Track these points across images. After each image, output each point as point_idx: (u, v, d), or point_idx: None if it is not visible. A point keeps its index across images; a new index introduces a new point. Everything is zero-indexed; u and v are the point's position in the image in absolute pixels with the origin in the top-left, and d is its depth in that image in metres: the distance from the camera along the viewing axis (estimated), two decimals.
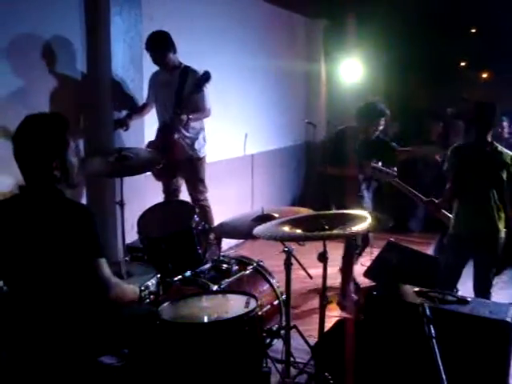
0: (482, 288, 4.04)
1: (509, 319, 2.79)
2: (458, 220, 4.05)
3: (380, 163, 4.41)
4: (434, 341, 2.09)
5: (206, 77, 4.60)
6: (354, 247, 4.88)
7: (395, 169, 4.41)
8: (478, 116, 4.02)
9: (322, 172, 5.54)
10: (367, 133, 4.84)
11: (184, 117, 4.68)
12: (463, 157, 4.02)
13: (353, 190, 4.83)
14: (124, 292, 2.49)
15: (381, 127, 4.86)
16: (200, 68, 4.86)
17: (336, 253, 6.21)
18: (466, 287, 4.13)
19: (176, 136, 4.77)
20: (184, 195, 5.16)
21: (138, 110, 4.92)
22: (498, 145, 4.05)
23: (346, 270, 4.92)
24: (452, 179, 4.06)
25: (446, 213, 4.25)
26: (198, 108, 4.85)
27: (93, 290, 2.36)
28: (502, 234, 3.96)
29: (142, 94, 4.95)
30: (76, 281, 2.36)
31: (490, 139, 4.00)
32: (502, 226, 3.97)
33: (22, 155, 2.32)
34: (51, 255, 2.30)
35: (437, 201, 4.20)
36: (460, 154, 4.04)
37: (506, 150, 4.04)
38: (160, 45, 4.77)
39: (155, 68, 4.99)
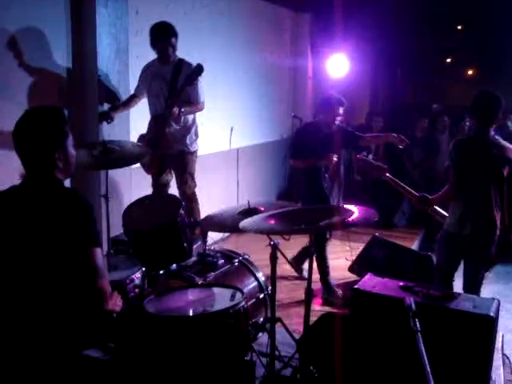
0: (472, 286, 3.99)
1: (492, 314, 2.82)
2: (456, 218, 3.93)
3: (370, 156, 4.40)
4: (419, 334, 2.11)
5: (199, 69, 4.57)
6: (324, 239, 4.80)
7: (385, 166, 4.39)
8: (479, 107, 3.86)
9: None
10: (328, 124, 4.87)
11: (176, 109, 4.65)
12: (464, 151, 3.88)
13: (314, 183, 4.87)
14: (109, 291, 2.47)
15: (339, 117, 4.91)
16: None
17: None
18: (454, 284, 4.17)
19: (167, 129, 4.75)
20: (173, 190, 5.14)
21: (125, 103, 4.89)
22: (500, 139, 3.91)
23: (321, 262, 4.86)
24: (453, 175, 3.91)
25: (439, 209, 4.19)
26: (190, 101, 4.82)
27: (83, 279, 2.35)
28: (497, 233, 3.90)
29: (128, 86, 4.92)
30: (68, 271, 2.35)
31: (492, 133, 3.86)
32: (498, 224, 3.89)
33: (25, 147, 2.38)
34: (47, 244, 2.32)
35: (430, 197, 4.08)
36: (461, 148, 3.90)
37: (508, 145, 3.91)
38: (169, 32, 4.74)
39: (140, 61, 4.95)
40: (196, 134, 5.08)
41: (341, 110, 4.89)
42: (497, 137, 3.93)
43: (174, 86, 4.75)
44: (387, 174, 4.30)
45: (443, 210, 4.16)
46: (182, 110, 4.73)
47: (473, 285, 3.99)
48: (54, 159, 2.39)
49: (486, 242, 3.90)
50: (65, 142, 2.43)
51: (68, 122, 2.49)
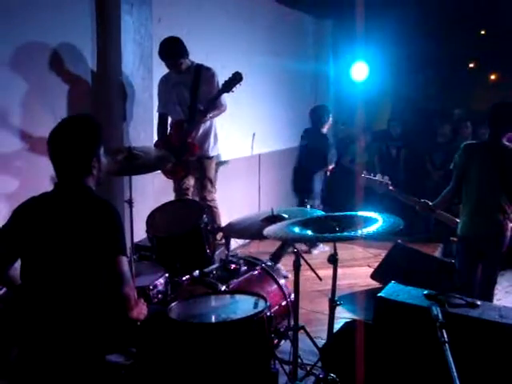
0: (486, 289, 4.03)
1: None
2: (465, 222, 4.02)
3: (372, 174, 4.51)
4: (446, 345, 2.08)
5: (238, 77, 4.60)
6: None
7: (388, 178, 4.44)
8: (493, 116, 3.97)
9: None
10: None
11: (207, 115, 4.73)
12: (473, 154, 3.97)
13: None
14: (135, 298, 2.48)
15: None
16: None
17: (346, 254, 6.25)
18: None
19: (193, 135, 4.81)
20: (194, 195, 5.17)
21: (164, 127, 5.00)
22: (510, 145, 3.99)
23: None
24: (457, 177, 4.03)
25: (444, 213, 4.27)
26: (214, 105, 4.85)
27: (109, 285, 2.38)
28: (508, 235, 3.94)
29: (152, 92, 4.96)
30: (95, 278, 2.38)
31: (504, 141, 3.95)
32: (508, 227, 3.94)
33: (63, 154, 2.43)
34: (76, 250, 2.36)
35: (431, 203, 4.16)
36: (471, 152, 3.99)
37: None
38: (174, 52, 4.78)
39: (164, 67, 4.98)
40: (215, 139, 5.10)
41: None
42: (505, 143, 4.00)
43: (195, 91, 4.78)
44: (390, 188, 4.39)
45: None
46: (211, 114, 4.76)
47: (487, 289, 4.03)
48: (90, 167, 2.45)
49: (495, 245, 3.95)
50: (99, 150, 2.50)
51: (102, 132, 2.55)
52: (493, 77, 13.05)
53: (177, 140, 4.81)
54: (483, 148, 3.99)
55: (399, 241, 5.52)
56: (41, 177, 3.69)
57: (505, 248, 3.97)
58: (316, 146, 7.05)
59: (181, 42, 4.78)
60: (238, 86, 4.65)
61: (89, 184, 2.48)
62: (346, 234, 2.68)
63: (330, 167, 7.09)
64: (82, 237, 2.36)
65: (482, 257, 4.02)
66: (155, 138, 4.98)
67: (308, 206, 5.61)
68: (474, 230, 3.98)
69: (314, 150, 7.09)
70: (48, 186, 2.56)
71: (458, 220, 4.15)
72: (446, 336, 2.15)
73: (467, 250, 4.05)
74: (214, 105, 4.77)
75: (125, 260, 2.40)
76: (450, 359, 1.99)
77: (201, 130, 4.92)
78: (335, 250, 2.77)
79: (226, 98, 4.91)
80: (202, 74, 4.83)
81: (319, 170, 7.04)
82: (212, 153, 5.06)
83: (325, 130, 7.10)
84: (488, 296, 3.99)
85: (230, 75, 4.66)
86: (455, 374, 1.93)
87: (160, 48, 4.78)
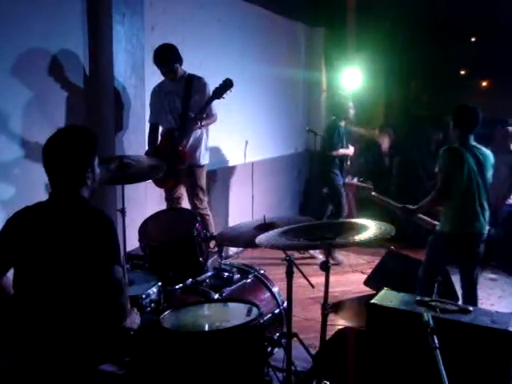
0: (471, 287, 4.21)
1: (511, 329, 2.79)
2: (451, 220, 4.17)
3: (355, 179, 4.65)
4: (437, 351, 2.09)
5: (229, 84, 4.63)
6: None
7: (371, 183, 4.57)
8: (458, 119, 4.23)
9: None
10: None
11: (198, 123, 4.75)
12: (455, 157, 4.16)
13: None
14: (129, 308, 2.48)
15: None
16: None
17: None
18: None
19: (184, 143, 4.82)
20: (185, 203, 5.16)
21: (154, 138, 5.01)
22: (481, 146, 4.22)
23: None
24: (443, 180, 4.18)
25: (425, 217, 4.45)
26: (205, 112, 4.88)
27: (103, 295, 2.38)
28: (486, 232, 4.15)
29: (144, 101, 4.97)
30: (89, 287, 2.38)
31: (472, 142, 4.19)
32: (486, 225, 4.16)
33: (58, 164, 2.45)
34: (70, 260, 2.36)
35: (413, 207, 4.35)
36: (452, 154, 4.19)
37: (489, 151, 4.24)
38: (169, 59, 4.80)
39: (156, 75, 5.00)
40: (206, 148, 5.12)
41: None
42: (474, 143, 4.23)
43: (188, 100, 4.81)
44: (373, 193, 4.61)
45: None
46: (203, 123, 4.78)
47: (471, 287, 4.22)
48: (84, 177, 2.47)
49: (475, 242, 4.14)
50: (94, 161, 2.52)
51: (97, 143, 2.57)
52: (484, 83, 13.15)
53: (167, 148, 4.82)
54: (460, 149, 4.17)
55: (392, 247, 5.54)
56: (37, 185, 3.70)
57: (482, 248, 4.18)
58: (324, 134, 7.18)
59: (175, 48, 4.81)
60: (228, 92, 4.67)
61: (83, 194, 2.49)
62: (337, 240, 2.69)
63: (335, 152, 7.01)
64: (76, 247, 2.36)
65: (459, 255, 4.20)
66: (147, 146, 4.99)
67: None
68: (462, 228, 4.14)
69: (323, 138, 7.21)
70: (44, 195, 2.57)
71: (436, 222, 4.33)
72: (437, 342, 2.16)
73: (447, 246, 4.20)
74: (204, 112, 4.79)
75: (119, 269, 2.40)
76: (441, 365, 2.00)
77: (192, 139, 4.93)
78: (327, 257, 2.78)
79: (218, 105, 4.93)
80: (193, 83, 4.86)
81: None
82: (203, 161, 5.06)
83: (342, 123, 7.12)
84: (473, 298, 4.16)
85: (221, 82, 4.69)
86: (446, 379, 1.94)
87: (154, 55, 4.79)
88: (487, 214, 4.17)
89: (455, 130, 4.26)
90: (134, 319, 2.53)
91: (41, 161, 2.48)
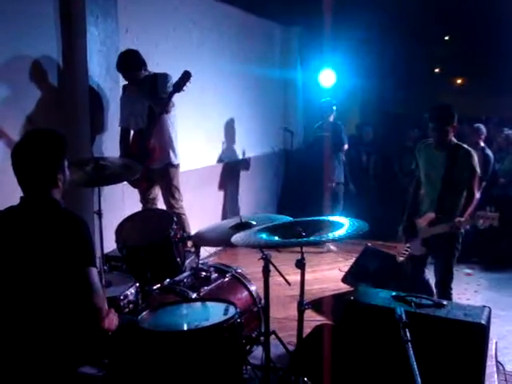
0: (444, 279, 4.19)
1: (483, 322, 2.85)
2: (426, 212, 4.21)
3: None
4: (409, 344, 2.13)
5: (187, 76, 4.61)
6: None
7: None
8: (437, 117, 4.13)
9: None
10: None
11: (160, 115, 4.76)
12: (424, 152, 4.26)
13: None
14: (106, 309, 2.49)
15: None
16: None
17: (314, 259, 6.32)
18: None
19: (152, 141, 4.79)
20: (162, 204, 5.16)
21: (126, 142, 4.97)
22: (459, 143, 4.15)
23: None
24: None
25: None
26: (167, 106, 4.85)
27: (79, 297, 2.38)
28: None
29: (118, 102, 4.95)
30: (64, 290, 2.38)
31: (450, 138, 4.10)
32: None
33: (29, 167, 2.43)
34: (45, 264, 2.35)
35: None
36: (422, 150, 4.29)
37: (465, 148, 4.11)
38: (132, 66, 4.76)
39: None
40: (176, 147, 5.07)
41: None
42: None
43: (153, 99, 4.78)
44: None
45: None
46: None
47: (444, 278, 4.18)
48: (55, 179, 2.46)
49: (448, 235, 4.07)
50: (64, 162, 2.51)
51: (67, 145, 2.56)
52: (459, 81, 13.31)
53: (137, 150, 4.81)
54: (431, 145, 4.22)
55: (369, 244, 5.59)
56: (11, 186, 3.67)
57: (454, 241, 4.12)
58: (331, 133, 7.49)
59: (137, 54, 4.77)
60: (188, 84, 4.66)
61: (55, 197, 2.48)
62: (312, 238, 2.73)
63: (346, 146, 7.63)
64: (51, 250, 2.35)
65: (435, 247, 4.18)
66: (119, 151, 4.97)
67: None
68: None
69: (326, 138, 7.49)
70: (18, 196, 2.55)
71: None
72: (408, 335, 2.20)
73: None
74: (167, 106, 4.77)
75: (94, 271, 2.41)
76: (412, 357, 2.04)
77: (161, 137, 4.90)
78: (302, 254, 2.81)
79: (194, 106, 4.92)
80: (158, 80, 4.84)
81: (338, 151, 7.54)
82: (176, 160, 5.04)
83: (331, 119, 7.61)
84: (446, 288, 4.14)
85: (180, 75, 4.70)
86: (416, 371, 1.98)
87: (118, 61, 4.75)
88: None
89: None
90: (112, 320, 2.53)
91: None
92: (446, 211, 4.07)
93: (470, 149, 4.11)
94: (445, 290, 4.14)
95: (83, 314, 2.39)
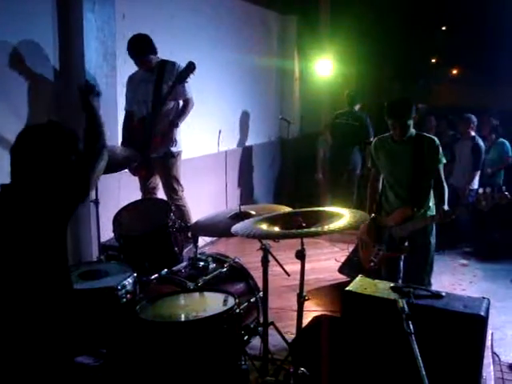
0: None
1: (482, 313, 2.84)
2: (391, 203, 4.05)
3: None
4: (412, 336, 2.12)
5: (192, 67, 4.59)
6: None
7: None
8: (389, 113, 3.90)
9: None
10: None
11: (173, 125, 4.80)
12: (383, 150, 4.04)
13: None
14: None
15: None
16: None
17: (313, 250, 6.31)
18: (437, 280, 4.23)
19: (155, 131, 4.79)
20: (162, 194, 5.14)
21: (129, 126, 4.96)
22: (420, 133, 3.99)
23: None
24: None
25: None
26: (180, 99, 4.89)
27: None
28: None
29: (115, 89, 4.90)
30: (56, 279, 2.35)
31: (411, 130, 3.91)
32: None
33: (27, 164, 2.32)
34: (37, 250, 2.30)
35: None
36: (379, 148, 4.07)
37: (429, 136, 3.97)
38: (143, 51, 4.76)
39: (129, 64, 4.95)
40: (178, 136, 5.06)
41: None
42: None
43: (159, 87, 4.77)
44: None
45: None
46: (178, 122, 4.84)
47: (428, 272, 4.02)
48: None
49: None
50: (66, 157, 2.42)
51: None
52: (454, 71, 13.31)
53: (139, 136, 4.79)
54: (388, 141, 4.02)
55: None
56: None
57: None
58: (354, 123, 7.49)
59: (149, 38, 4.76)
60: (191, 75, 4.64)
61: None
62: (312, 229, 2.71)
63: (372, 139, 7.49)
64: (37, 231, 2.29)
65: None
66: (120, 136, 4.94)
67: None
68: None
69: (352, 126, 7.48)
70: None
71: None
72: (411, 327, 2.20)
73: None
74: (170, 96, 4.78)
75: None
76: (416, 350, 2.04)
77: (163, 127, 4.87)
78: (302, 245, 2.79)
79: (190, 87, 4.89)
80: (166, 68, 4.82)
81: (358, 143, 7.55)
82: (176, 150, 5.02)
83: (357, 108, 7.64)
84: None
85: (184, 65, 4.66)
86: (421, 363, 1.98)
87: (128, 45, 4.74)
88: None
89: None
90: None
91: (7, 153, 2.38)
92: (422, 204, 3.93)
93: (433, 137, 3.97)
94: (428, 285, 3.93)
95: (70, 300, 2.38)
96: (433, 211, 3.98)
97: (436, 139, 3.97)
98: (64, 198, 2.33)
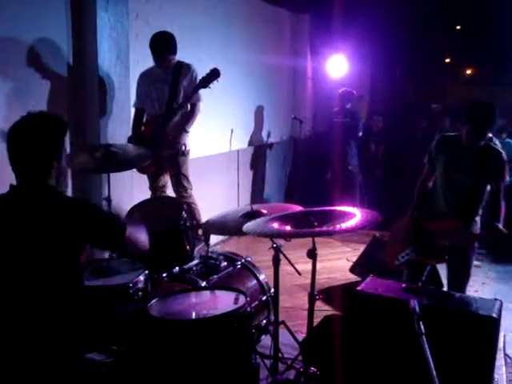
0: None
1: (495, 315, 2.83)
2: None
3: None
4: (423, 337, 2.12)
5: (216, 74, 4.60)
6: None
7: None
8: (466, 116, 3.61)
9: None
10: None
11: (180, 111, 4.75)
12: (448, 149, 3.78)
13: None
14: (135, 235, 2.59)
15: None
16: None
17: (324, 249, 6.30)
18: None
19: (168, 131, 4.79)
20: (171, 192, 5.14)
21: (140, 123, 4.97)
22: (489, 143, 3.73)
23: None
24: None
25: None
26: (191, 102, 4.88)
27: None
28: None
29: (128, 89, 4.92)
30: (70, 276, 2.37)
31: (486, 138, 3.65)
32: None
33: (24, 153, 2.32)
34: (49, 252, 2.30)
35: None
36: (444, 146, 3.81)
37: (496, 149, 3.71)
38: (169, 48, 4.79)
39: (141, 63, 4.96)
40: (188, 135, 5.05)
41: None
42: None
43: (175, 88, 4.78)
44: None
45: None
46: (187, 128, 4.84)
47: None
48: (50, 167, 2.35)
49: None
50: (62, 152, 2.42)
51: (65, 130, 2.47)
52: (468, 71, 13.21)
53: (151, 135, 4.80)
54: (457, 142, 3.73)
55: (377, 235, 5.57)
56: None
57: None
58: (348, 120, 7.75)
59: (174, 37, 4.79)
60: (215, 82, 4.64)
61: (50, 184, 2.38)
62: (324, 228, 2.70)
63: (360, 134, 7.95)
64: (58, 236, 2.29)
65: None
66: (131, 131, 4.95)
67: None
68: None
69: (347, 123, 7.71)
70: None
71: None
72: (422, 328, 2.19)
73: None
74: (190, 100, 4.78)
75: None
76: (427, 351, 2.03)
77: (174, 126, 4.87)
78: (314, 244, 2.79)
79: (203, 93, 4.90)
80: (182, 70, 4.82)
81: (354, 138, 7.86)
82: (186, 149, 5.01)
83: (348, 106, 7.83)
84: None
85: (208, 71, 4.66)
86: (432, 365, 1.97)
87: (153, 42, 4.75)
88: None
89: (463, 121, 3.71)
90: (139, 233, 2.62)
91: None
92: (472, 218, 3.71)
93: (501, 150, 3.67)
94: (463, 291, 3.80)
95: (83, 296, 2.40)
96: (477, 225, 3.79)
97: (504, 154, 3.68)
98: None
